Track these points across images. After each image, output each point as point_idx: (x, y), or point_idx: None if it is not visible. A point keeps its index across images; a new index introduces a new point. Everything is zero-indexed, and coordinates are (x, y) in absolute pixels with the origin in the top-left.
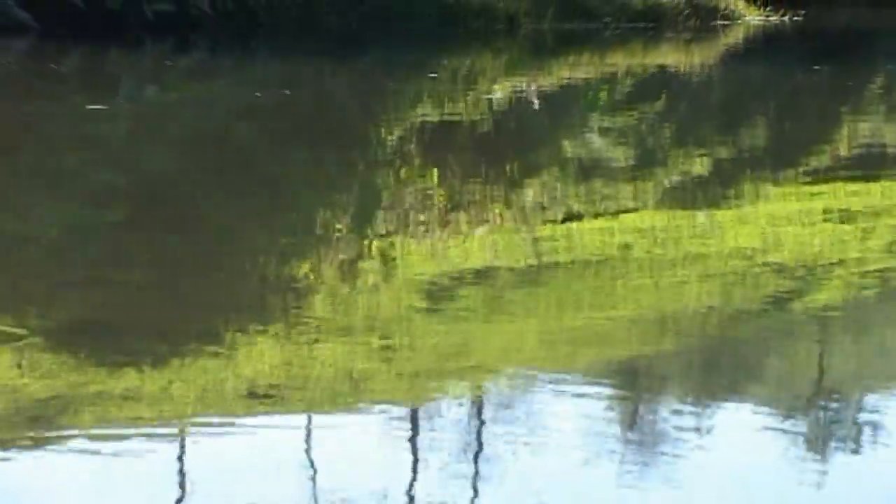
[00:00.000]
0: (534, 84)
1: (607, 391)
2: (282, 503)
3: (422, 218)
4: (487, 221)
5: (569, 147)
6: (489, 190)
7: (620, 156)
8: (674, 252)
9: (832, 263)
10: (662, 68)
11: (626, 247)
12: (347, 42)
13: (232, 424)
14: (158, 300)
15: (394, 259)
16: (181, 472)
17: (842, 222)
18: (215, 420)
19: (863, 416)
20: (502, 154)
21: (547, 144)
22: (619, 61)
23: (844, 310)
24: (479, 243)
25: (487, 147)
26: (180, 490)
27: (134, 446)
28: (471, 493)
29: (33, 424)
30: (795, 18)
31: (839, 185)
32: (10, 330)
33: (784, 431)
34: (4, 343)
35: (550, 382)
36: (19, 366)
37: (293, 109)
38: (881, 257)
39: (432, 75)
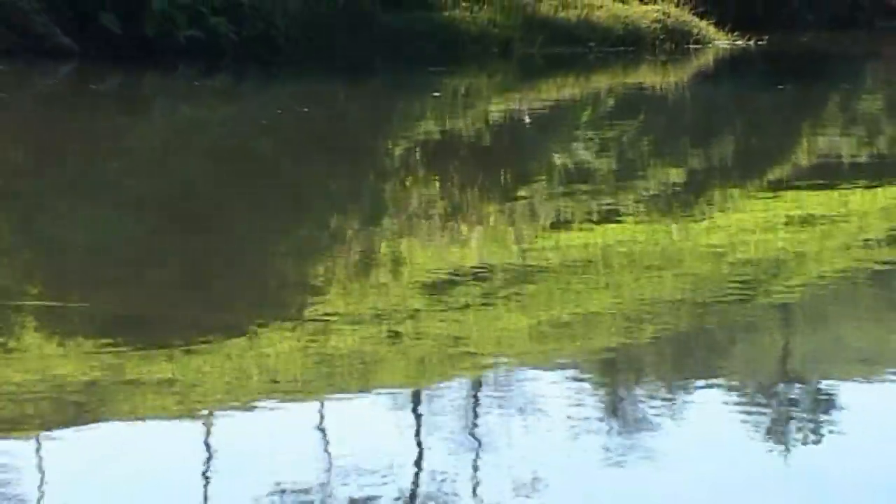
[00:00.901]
0: (525, 103)
1: (592, 376)
2: (301, 478)
3: (425, 222)
4: (484, 225)
5: (557, 159)
6: (486, 197)
7: (603, 167)
8: (651, 253)
9: (793, 263)
10: (641, 87)
11: (608, 248)
12: (359, 66)
13: (255, 407)
14: (188, 296)
15: (400, 258)
16: (209, 451)
17: (802, 226)
18: (240, 403)
19: (821, 397)
20: (497, 165)
21: (537, 156)
22: (602, 81)
23: (804, 303)
24: (476, 245)
25: (484, 159)
26: (208, 467)
27: (166, 427)
28: (470, 465)
29: (75, 407)
30: (760, 42)
31: (800, 192)
32: (52, 323)
33: (751, 411)
34: (48, 335)
35: (541, 368)
36: (62, 355)
37: (311, 125)
38: (837, 257)
39: (436, 94)
